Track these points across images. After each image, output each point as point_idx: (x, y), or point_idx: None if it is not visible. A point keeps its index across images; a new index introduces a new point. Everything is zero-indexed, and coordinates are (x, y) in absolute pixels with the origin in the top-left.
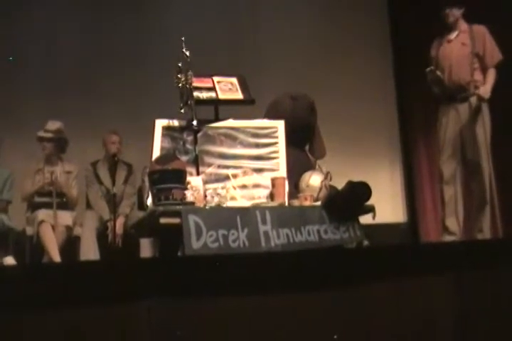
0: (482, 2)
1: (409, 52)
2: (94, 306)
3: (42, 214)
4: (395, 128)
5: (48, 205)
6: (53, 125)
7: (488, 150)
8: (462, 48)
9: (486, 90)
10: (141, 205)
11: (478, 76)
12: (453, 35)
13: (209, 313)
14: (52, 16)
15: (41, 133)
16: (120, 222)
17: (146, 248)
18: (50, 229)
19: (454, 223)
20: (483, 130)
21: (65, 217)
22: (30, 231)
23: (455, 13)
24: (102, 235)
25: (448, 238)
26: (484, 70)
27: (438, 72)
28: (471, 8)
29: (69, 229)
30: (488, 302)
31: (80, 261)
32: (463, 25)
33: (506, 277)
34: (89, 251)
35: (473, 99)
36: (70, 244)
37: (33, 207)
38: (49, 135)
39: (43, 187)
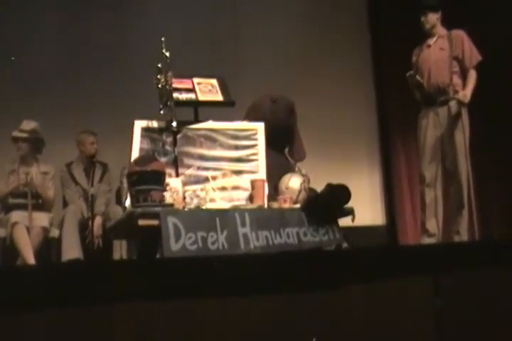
0: (459, 6)
1: (388, 56)
2: (71, 309)
3: (16, 215)
4: (375, 131)
5: (22, 207)
6: (28, 125)
7: (466, 154)
8: (441, 52)
9: (465, 95)
10: (120, 204)
11: (457, 80)
12: (432, 41)
13: (188, 316)
14: (29, 14)
15: (16, 133)
16: (98, 222)
17: (119, 250)
18: (25, 231)
19: (434, 225)
20: (462, 134)
21: (41, 218)
22: (3, 233)
23: (430, 19)
24: (80, 236)
25: (428, 240)
26: (464, 73)
27: (418, 77)
28: (449, 12)
29: (45, 230)
30: (466, 303)
31: (56, 262)
32: (441, 30)
33: (484, 279)
34: (72, 247)
35: (453, 103)
36: (47, 245)
37: (7, 208)
38: (24, 135)
39: (18, 188)
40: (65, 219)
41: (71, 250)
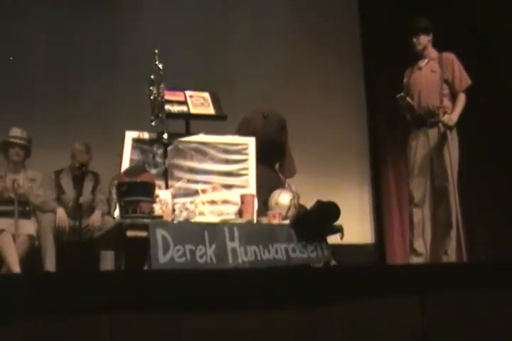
0: (451, 29)
1: (380, 75)
2: (54, 319)
3: (1, 223)
4: (365, 150)
5: (8, 214)
6: (22, 132)
7: (454, 176)
8: (431, 75)
9: (450, 117)
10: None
11: (447, 102)
12: (423, 63)
13: (171, 328)
14: (20, 25)
15: (13, 140)
16: (98, 214)
17: (106, 260)
18: (10, 239)
19: (422, 245)
20: (450, 156)
21: (28, 226)
22: None
23: (422, 41)
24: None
25: (415, 259)
26: (454, 96)
27: (408, 98)
28: (439, 35)
29: (31, 238)
30: (452, 324)
31: (40, 272)
32: (432, 52)
33: (470, 299)
34: (49, 257)
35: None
36: (33, 253)
37: None
38: (23, 142)
39: (3, 194)
40: (41, 231)
41: (47, 265)
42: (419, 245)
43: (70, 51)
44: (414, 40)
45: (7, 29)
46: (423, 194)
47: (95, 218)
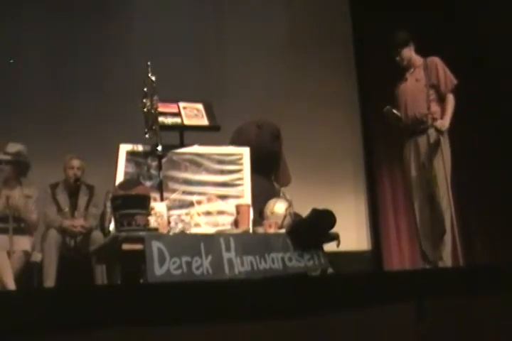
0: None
1: (374, 82)
2: (49, 335)
3: None
4: (360, 157)
5: (3, 230)
6: (13, 147)
7: (447, 181)
8: (416, 84)
9: (442, 123)
10: (103, 230)
11: (435, 107)
12: (409, 73)
13: None
14: (16, 38)
15: (0, 156)
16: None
17: (98, 275)
18: (5, 256)
19: (432, 252)
20: (442, 161)
21: (23, 243)
22: None
23: (405, 54)
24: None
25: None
26: (442, 99)
27: (394, 110)
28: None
29: (27, 254)
30: (451, 329)
31: (33, 288)
32: (417, 60)
33: (468, 304)
34: (49, 279)
35: (431, 131)
36: (28, 269)
37: None
38: (8, 157)
39: None
40: (44, 246)
41: (48, 281)
42: (430, 252)
43: (63, 65)
44: (398, 58)
45: (2, 43)
46: (422, 200)
47: (78, 222)
